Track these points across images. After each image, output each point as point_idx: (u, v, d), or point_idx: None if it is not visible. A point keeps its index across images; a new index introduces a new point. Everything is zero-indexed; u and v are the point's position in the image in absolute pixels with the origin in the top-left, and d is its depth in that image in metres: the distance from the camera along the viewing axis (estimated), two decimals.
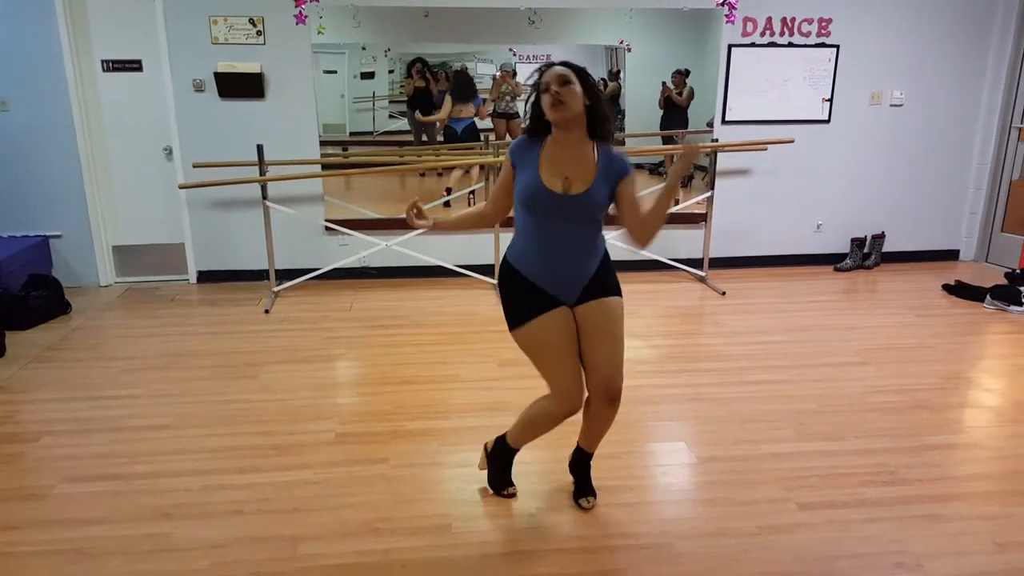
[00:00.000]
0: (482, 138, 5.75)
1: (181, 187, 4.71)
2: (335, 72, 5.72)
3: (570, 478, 2.45)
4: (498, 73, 5.83)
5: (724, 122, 5.18)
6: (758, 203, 5.37)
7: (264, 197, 4.61)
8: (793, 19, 5.05)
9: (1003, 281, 4.82)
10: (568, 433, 2.49)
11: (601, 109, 2.07)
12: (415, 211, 2.20)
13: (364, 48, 5.71)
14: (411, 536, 2.23)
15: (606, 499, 2.42)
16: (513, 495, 2.42)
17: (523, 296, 2.13)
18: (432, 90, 5.86)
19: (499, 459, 2.42)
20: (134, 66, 4.77)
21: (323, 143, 5.12)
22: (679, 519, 2.33)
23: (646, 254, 5.13)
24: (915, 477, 2.57)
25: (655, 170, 6.31)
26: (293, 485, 2.51)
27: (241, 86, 4.73)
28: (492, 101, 5.88)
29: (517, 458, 2.42)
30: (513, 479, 2.45)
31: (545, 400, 2.22)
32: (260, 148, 4.54)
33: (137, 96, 4.81)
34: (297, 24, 4.72)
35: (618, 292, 2.18)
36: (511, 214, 2.21)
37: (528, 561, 2.12)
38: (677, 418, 3.04)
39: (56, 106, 4.64)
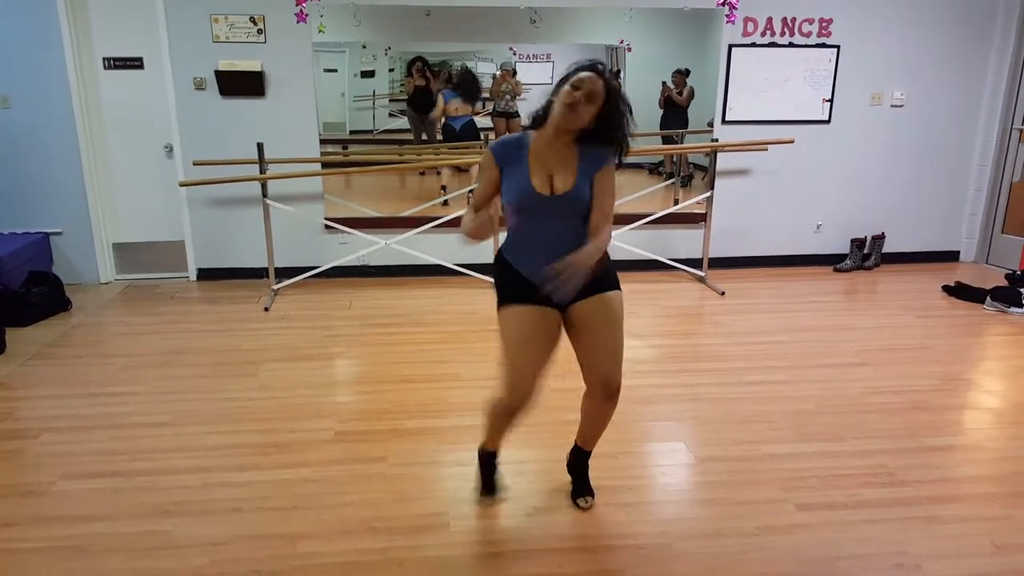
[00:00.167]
0: (481, 136, 5.76)
1: (181, 184, 4.72)
2: (335, 71, 5.72)
3: (568, 478, 2.45)
4: (498, 72, 5.83)
5: (724, 122, 5.18)
6: (758, 203, 5.37)
7: (264, 195, 4.61)
8: (794, 19, 5.05)
9: (1003, 282, 4.82)
10: (566, 432, 2.49)
11: (621, 127, 2.05)
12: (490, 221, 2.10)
13: (364, 47, 5.71)
14: (409, 534, 2.23)
15: (604, 499, 2.42)
16: (502, 500, 2.39)
17: (512, 283, 2.12)
18: (432, 89, 5.86)
19: (480, 465, 2.39)
20: (135, 64, 4.77)
21: (323, 141, 5.12)
22: (677, 519, 2.33)
23: (646, 253, 5.13)
24: (914, 478, 2.57)
25: (655, 170, 6.31)
26: (292, 483, 2.51)
27: (242, 84, 4.73)
28: (492, 100, 5.88)
29: (516, 458, 2.42)
30: (510, 480, 2.44)
31: (497, 392, 2.19)
32: (260, 146, 4.54)
33: (138, 94, 4.81)
34: (298, 22, 4.71)
35: (617, 286, 2.16)
36: None
37: (526, 560, 2.12)
38: (676, 418, 3.04)
39: (57, 103, 4.64)
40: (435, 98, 5.81)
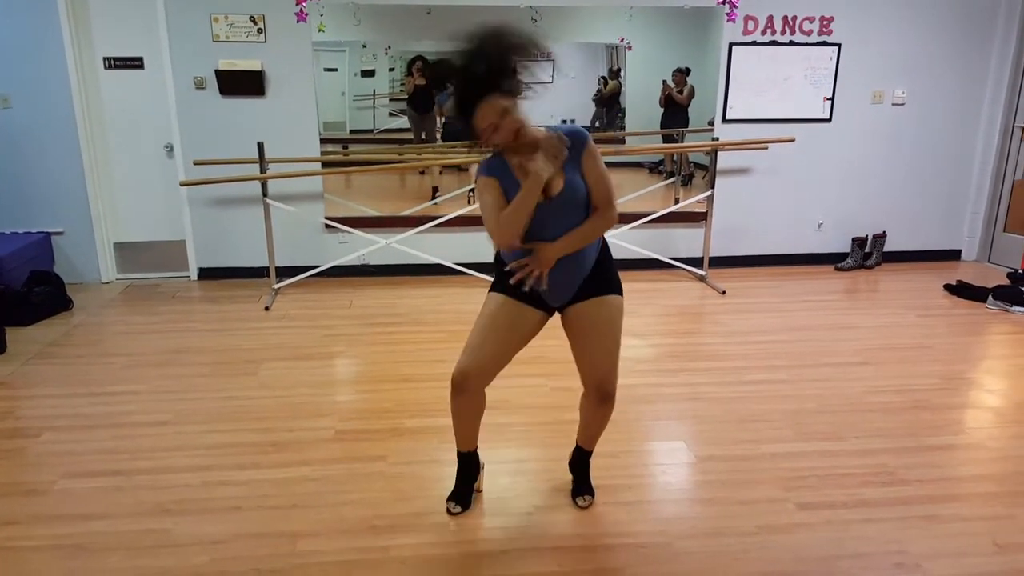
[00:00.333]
0: None
1: (182, 184, 4.72)
2: (335, 70, 5.71)
3: (568, 476, 2.45)
4: None
5: (725, 121, 5.17)
6: (759, 202, 5.37)
7: (264, 195, 4.61)
8: (794, 17, 5.04)
9: (1005, 281, 4.82)
10: (568, 432, 2.49)
11: (512, 80, 1.89)
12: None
13: (365, 46, 5.70)
14: (409, 533, 2.23)
15: (604, 498, 2.42)
16: (454, 513, 2.31)
17: (507, 276, 2.09)
18: (432, 90, 5.85)
19: (459, 468, 2.37)
20: (135, 63, 4.78)
21: (323, 141, 5.12)
22: (677, 518, 2.33)
23: (646, 252, 5.13)
24: (915, 478, 2.57)
25: (655, 169, 6.30)
26: (292, 482, 2.51)
27: (242, 84, 4.73)
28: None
29: (516, 457, 2.42)
30: (510, 479, 2.44)
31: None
32: (261, 146, 4.55)
33: (138, 93, 4.81)
34: (298, 22, 4.72)
35: (618, 291, 2.15)
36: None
37: (526, 559, 2.12)
38: (676, 417, 3.04)
39: (58, 103, 4.64)
40: (435, 99, 5.81)
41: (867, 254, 5.47)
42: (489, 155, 2.06)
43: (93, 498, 2.42)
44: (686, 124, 5.68)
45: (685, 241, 5.33)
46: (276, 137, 4.78)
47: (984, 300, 4.56)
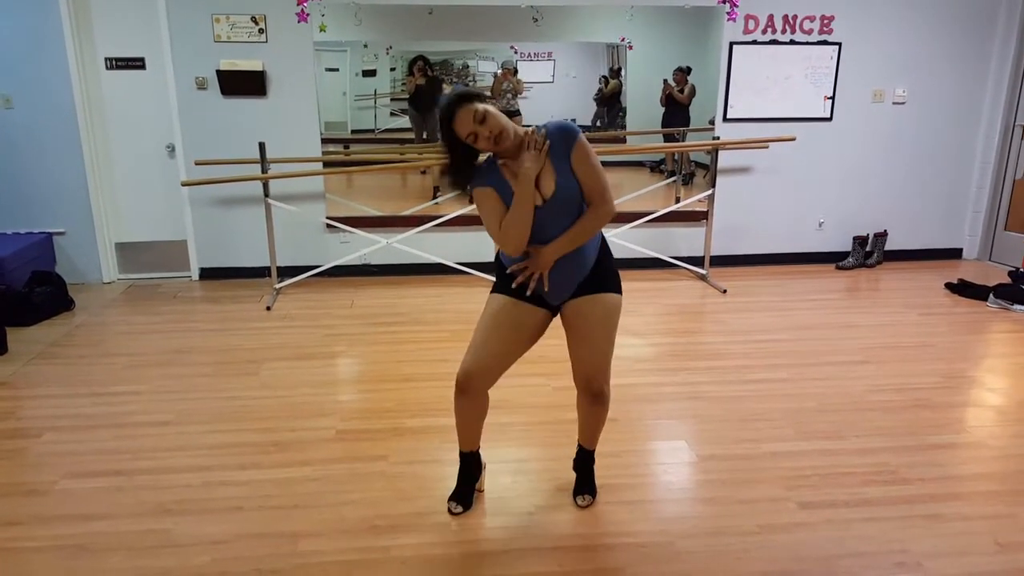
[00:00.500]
0: None
1: (184, 184, 4.72)
2: (337, 70, 5.71)
3: (570, 476, 2.45)
4: (499, 71, 5.83)
5: (725, 120, 5.17)
6: (759, 201, 5.37)
7: (266, 195, 4.62)
8: (795, 16, 5.04)
9: (1006, 280, 4.81)
10: (569, 431, 2.49)
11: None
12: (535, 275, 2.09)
13: (366, 46, 5.70)
14: (410, 533, 2.24)
15: (606, 497, 2.42)
16: (456, 513, 2.31)
17: (510, 278, 2.12)
18: (433, 88, 5.85)
19: (460, 468, 2.37)
20: (137, 64, 4.78)
21: (325, 141, 5.12)
22: (679, 518, 2.33)
23: (647, 251, 5.13)
24: (916, 476, 2.57)
25: (656, 168, 6.30)
26: (294, 482, 2.52)
27: (243, 84, 4.74)
28: (493, 98, 5.88)
29: (518, 456, 2.42)
30: (511, 478, 2.44)
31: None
32: (262, 146, 4.55)
33: (140, 94, 4.82)
34: (299, 22, 4.72)
35: (616, 289, 2.15)
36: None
37: (527, 558, 2.12)
38: (677, 416, 3.04)
39: (59, 103, 4.65)
40: (436, 99, 5.81)
41: (868, 253, 5.47)
42: (482, 166, 2.08)
43: (94, 498, 2.43)
44: (687, 123, 5.67)
45: (686, 240, 5.33)
46: (277, 137, 4.78)
47: (985, 299, 4.56)
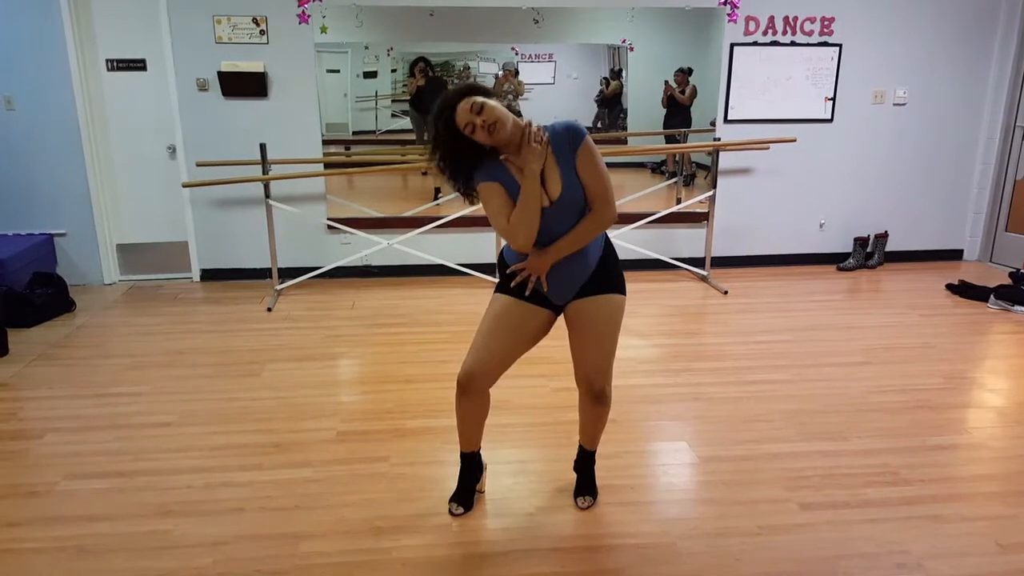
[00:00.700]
0: None
1: (185, 186, 4.73)
2: (338, 71, 5.72)
3: (571, 477, 2.45)
4: (500, 72, 5.84)
5: (726, 121, 5.17)
6: (760, 202, 5.37)
7: (267, 196, 4.62)
8: (796, 18, 5.04)
9: (1007, 281, 4.80)
10: (570, 432, 2.49)
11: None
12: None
13: (367, 47, 5.71)
14: (411, 534, 2.24)
15: (607, 498, 2.42)
16: (456, 514, 2.32)
17: (511, 276, 2.12)
18: (435, 89, 5.86)
19: (461, 469, 2.37)
20: (138, 65, 4.79)
21: (326, 142, 5.13)
22: (680, 519, 2.33)
23: (649, 252, 5.13)
24: (917, 477, 2.57)
25: (657, 169, 6.30)
26: (294, 483, 2.52)
27: (244, 85, 4.74)
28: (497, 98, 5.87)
29: (518, 457, 2.42)
30: (512, 479, 2.44)
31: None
32: (263, 147, 4.55)
33: (141, 95, 4.82)
34: (300, 23, 4.73)
35: (620, 290, 2.15)
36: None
37: (528, 560, 2.12)
38: (678, 417, 3.04)
39: (60, 105, 4.65)
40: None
41: (869, 254, 5.47)
42: (487, 161, 2.06)
43: (96, 499, 2.43)
44: (688, 124, 5.68)
45: (687, 241, 5.33)
46: (278, 138, 4.79)
47: (986, 300, 4.56)
